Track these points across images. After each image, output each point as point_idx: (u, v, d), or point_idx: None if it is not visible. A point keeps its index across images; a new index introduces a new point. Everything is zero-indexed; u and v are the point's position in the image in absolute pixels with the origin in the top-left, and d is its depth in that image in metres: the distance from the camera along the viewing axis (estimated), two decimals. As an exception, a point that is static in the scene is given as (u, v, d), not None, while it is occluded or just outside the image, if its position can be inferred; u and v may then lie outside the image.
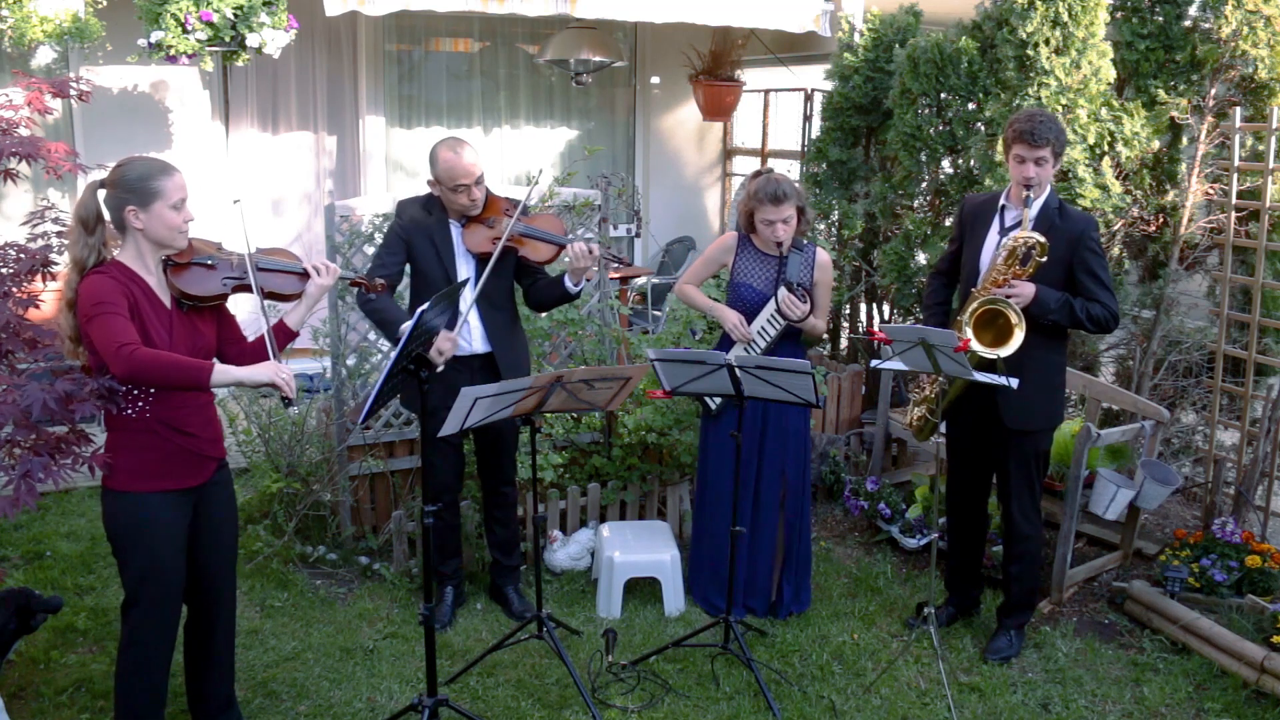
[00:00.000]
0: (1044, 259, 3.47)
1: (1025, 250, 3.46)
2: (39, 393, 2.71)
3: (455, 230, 3.75)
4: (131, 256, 2.82)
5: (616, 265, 3.80)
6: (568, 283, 3.73)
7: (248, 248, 2.99)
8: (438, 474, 3.88)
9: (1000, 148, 4.63)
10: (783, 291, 3.81)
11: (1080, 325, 3.60)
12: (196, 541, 2.97)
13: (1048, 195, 3.61)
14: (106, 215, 2.81)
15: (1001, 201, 3.67)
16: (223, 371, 2.77)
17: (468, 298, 3.69)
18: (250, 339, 3.11)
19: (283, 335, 3.05)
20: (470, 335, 3.79)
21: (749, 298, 3.95)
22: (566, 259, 3.71)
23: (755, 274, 3.95)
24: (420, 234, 3.72)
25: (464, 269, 3.75)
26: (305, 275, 3.07)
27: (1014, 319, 3.42)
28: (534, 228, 3.73)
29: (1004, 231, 3.63)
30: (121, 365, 2.64)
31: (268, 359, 2.92)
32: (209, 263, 2.93)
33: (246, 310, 4.50)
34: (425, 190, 3.80)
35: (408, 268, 3.82)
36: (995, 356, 3.44)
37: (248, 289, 2.95)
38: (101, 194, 2.81)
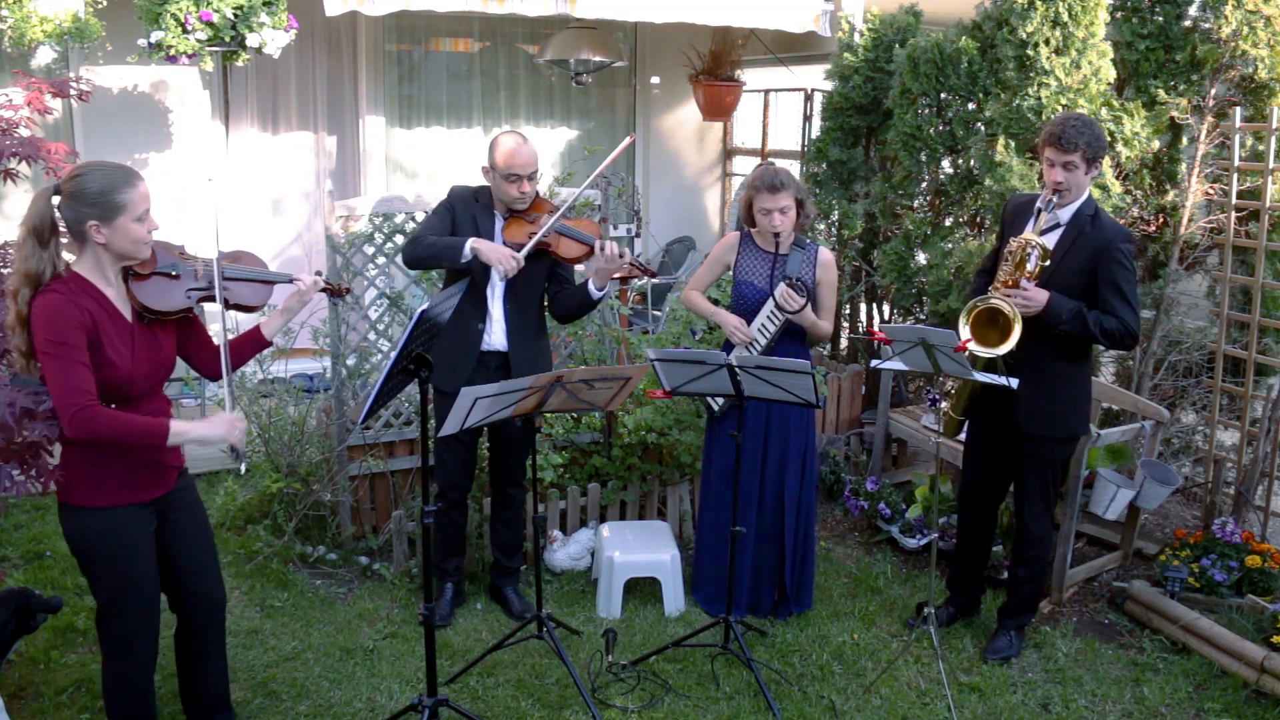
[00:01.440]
0: (1046, 263, 3.44)
1: (1026, 254, 3.44)
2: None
3: (498, 221, 3.82)
4: (89, 268, 2.65)
5: (643, 276, 3.88)
6: (591, 286, 3.78)
7: (216, 236, 2.93)
8: (447, 471, 3.92)
9: (1000, 147, 4.64)
10: (781, 285, 3.81)
11: (1093, 338, 3.52)
12: (171, 551, 2.90)
13: (1082, 202, 3.56)
14: (61, 225, 2.62)
15: (1039, 204, 3.63)
16: (178, 433, 2.69)
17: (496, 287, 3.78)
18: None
19: (255, 345, 2.99)
20: (492, 330, 3.83)
21: (750, 295, 3.95)
22: (589, 265, 3.77)
23: (756, 271, 3.96)
24: (466, 215, 3.81)
25: None
26: (273, 283, 2.99)
27: (1009, 313, 3.40)
28: (570, 226, 3.80)
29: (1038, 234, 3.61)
30: (76, 426, 2.53)
31: (241, 362, 2.89)
32: (173, 272, 2.80)
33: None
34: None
35: None
36: (989, 355, 3.43)
37: (213, 299, 2.86)
38: (56, 200, 2.60)
